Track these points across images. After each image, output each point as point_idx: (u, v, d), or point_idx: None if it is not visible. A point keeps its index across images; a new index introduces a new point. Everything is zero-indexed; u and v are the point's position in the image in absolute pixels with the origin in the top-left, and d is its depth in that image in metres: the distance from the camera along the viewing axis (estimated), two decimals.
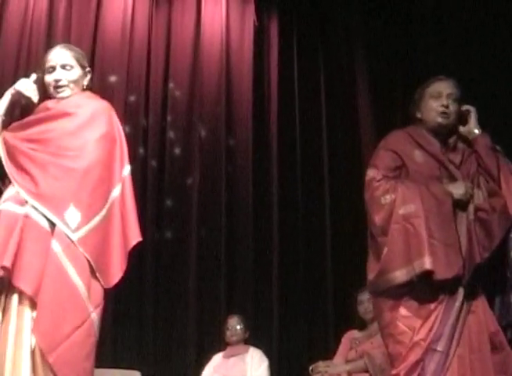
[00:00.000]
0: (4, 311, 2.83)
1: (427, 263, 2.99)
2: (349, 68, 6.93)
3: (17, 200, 2.93)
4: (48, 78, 3.19)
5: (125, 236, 3.07)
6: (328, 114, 6.76)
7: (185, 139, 6.36)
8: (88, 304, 2.89)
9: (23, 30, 5.90)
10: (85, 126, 3.07)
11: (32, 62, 5.58)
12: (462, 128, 3.40)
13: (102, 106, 3.22)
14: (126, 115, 6.06)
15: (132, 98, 6.22)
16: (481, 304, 3.13)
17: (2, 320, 2.82)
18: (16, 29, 5.90)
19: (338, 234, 6.45)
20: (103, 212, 2.99)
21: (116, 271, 3.02)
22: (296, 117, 6.69)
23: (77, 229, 2.89)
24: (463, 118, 3.41)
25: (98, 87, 5.97)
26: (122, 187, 3.11)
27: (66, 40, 5.68)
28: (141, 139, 6.18)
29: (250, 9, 6.75)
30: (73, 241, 2.87)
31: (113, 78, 6.15)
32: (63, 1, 6.08)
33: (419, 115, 3.43)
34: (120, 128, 3.22)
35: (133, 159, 5.91)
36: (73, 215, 2.89)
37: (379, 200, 3.18)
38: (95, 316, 2.92)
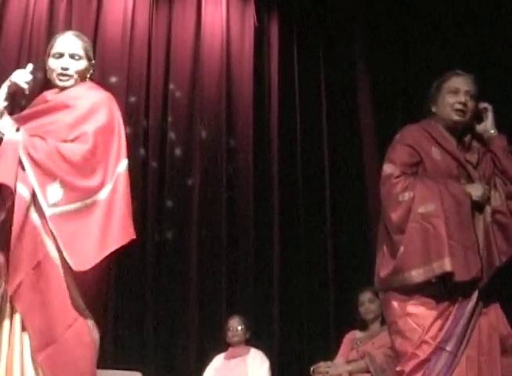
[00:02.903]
0: None
1: (448, 265, 2.95)
2: (350, 67, 6.92)
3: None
4: (54, 64, 3.11)
5: (109, 234, 2.92)
6: (329, 114, 6.75)
7: (186, 140, 6.36)
8: (79, 300, 2.84)
9: (23, 30, 5.91)
10: (84, 118, 2.99)
11: (32, 62, 5.57)
12: (478, 127, 3.33)
13: (102, 98, 3.11)
14: (127, 116, 6.05)
15: (133, 99, 6.23)
16: (493, 306, 3.11)
17: None
18: (17, 30, 5.91)
19: (339, 234, 6.44)
20: (85, 203, 2.88)
21: (89, 258, 2.84)
22: (296, 117, 6.68)
23: (54, 205, 2.81)
24: (478, 116, 3.33)
25: None
26: (114, 185, 2.97)
27: None
28: (141, 139, 6.18)
29: (251, 9, 6.75)
30: (45, 217, 2.80)
31: (113, 79, 6.15)
32: (64, 1, 6.09)
33: (434, 109, 3.34)
34: (121, 120, 3.11)
35: (134, 160, 5.97)
36: (55, 190, 2.83)
37: (396, 198, 3.12)
38: (88, 313, 2.87)
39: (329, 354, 5.08)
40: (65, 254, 2.80)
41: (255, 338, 5.57)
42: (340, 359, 4.84)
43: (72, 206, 2.85)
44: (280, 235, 6.30)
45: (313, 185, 6.58)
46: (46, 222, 2.82)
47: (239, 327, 5.43)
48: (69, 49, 3.11)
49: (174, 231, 6.15)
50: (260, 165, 6.46)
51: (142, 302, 5.86)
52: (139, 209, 5.93)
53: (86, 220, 2.88)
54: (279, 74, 6.70)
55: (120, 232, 2.95)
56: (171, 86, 6.40)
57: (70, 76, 3.10)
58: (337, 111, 6.80)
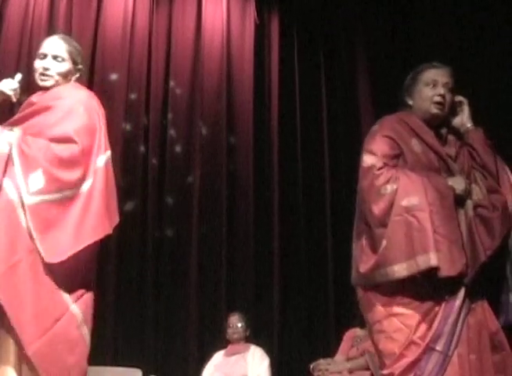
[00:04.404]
0: None
1: (433, 259, 2.85)
2: (349, 64, 6.93)
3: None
4: (37, 64, 3.18)
5: (85, 228, 2.94)
6: (329, 111, 6.75)
7: (186, 137, 6.36)
8: (64, 295, 2.87)
9: (23, 28, 5.90)
10: (64, 118, 3.03)
11: (33, 59, 5.57)
12: (453, 120, 3.27)
13: (81, 97, 3.15)
14: (127, 113, 6.08)
15: (133, 96, 6.22)
16: (480, 302, 3.03)
17: None
18: (17, 27, 5.90)
19: (340, 231, 6.43)
20: (65, 194, 2.91)
21: (62, 250, 2.87)
22: (297, 114, 6.68)
23: (35, 194, 2.85)
24: (453, 109, 3.26)
25: (99, 85, 6.00)
26: (94, 179, 3.00)
27: None
28: (142, 137, 6.18)
29: (251, 7, 6.75)
30: (24, 205, 2.83)
31: (114, 76, 6.15)
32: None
33: (410, 102, 3.25)
34: (101, 115, 3.14)
35: (134, 157, 6.01)
36: (37, 179, 2.86)
37: (378, 190, 3.01)
38: (75, 307, 2.90)
39: (330, 351, 5.09)
40: (38, 244, 2.83)
41: (255, 335, 5.58)
42: (340, 356, 4.85)
43: (52, 196, 2.88)
44: (280, 232, 6.30)
45: (313, 182, 6.58)
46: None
47: (240, 324, 5.44)
48: (52, 51, 3.18)
49: (174, 228, 6.15)
50: (260, 162, 6.46)
51: (142, 299, 5.85)
52: (139, 206, 5.94)
53: (64, 212, 2.90)
54: (280, 71, 6.70)
55: (95, 226, 2.96)
56: (172, 83, 6.40)
57: (51, 76, 3.16)
58: (337, 108, 6.80)
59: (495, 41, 5.69)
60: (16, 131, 2.98)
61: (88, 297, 2.98)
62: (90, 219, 2.94)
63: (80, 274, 2.95)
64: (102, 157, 3.05)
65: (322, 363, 4.75)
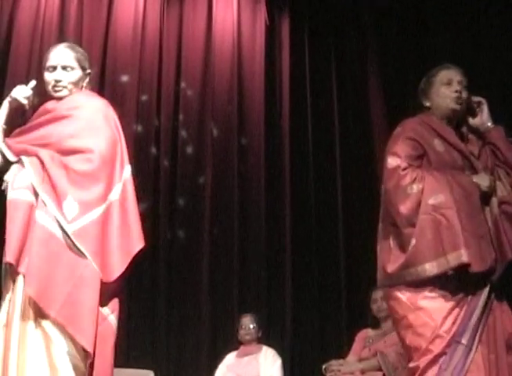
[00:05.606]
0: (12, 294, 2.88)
1: (464, 256, 2.91)
2: (361, 65, 6.92)
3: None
4: (48, 77, 3.19)
5: (129, 240, 3.03)
6: (340, 111, 6.75)
7: (198, 138, 6.37)
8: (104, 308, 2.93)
9: (34, 30, 5.92)
10: (84, 130, 3.06)
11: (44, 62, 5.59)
12: (472, 120, 3.34)
13: (97, 107, 3.19)
14: (138, 115, 6.09)
15: (144, 97, 6.23)
16: (500, 303, 3.06)
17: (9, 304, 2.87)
18: (28, 29, 5.92)
19: (352, 232, 6.43)
20: (101, 209, 2.95)
21: (115, 267, 2.96)
22: (308, 114, 6.68)
23: (74, 220, 2.88)
24: (471, 110, 3.34)
25: (110, 87, 6.02)
26: (123, 189, 3.06)
27: (78, 39, 5.70)
28: (153, 138, 6.19)
29: (262, 8, 6.75)
30: (67, 233, 2.87)
31: (125, 78, 6.17)
32: (75, 1, 6.09)
33: (427, 104, 3.34)
34: (119, 126, 3.19)
35: (145, 158, 6.02)
36: (70, 206, 2.89)
37: (405, 190, 3.07)
38: (112, 318, 2.97)
39: (342, 352, 5.08)
40: (95, 267, 2.88)
41: (267, 336, 5.58)
42: (352, 357, 4.84)
43: (89, 216, 2.92)
44: (292, 232, 6.30)
45: (325, 182, 6.57)
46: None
47: (252, 326, 5.44)
48: (61, 62, 3.19)
49: (185, 229, 6.16)
50: (271, 163, 6.45)
51: (153, 301, 5.87)
52: (151, 208, 5.95)
53: (106, 226, 2.97)
54: (290, 72, 6.70)
55: (137, 237, 3.06)
56: (183, 85, 6.41)
57: (64, 87, 3.19)
58: (348, 108, 6.80)
59: (509, 42, 5.69)
60: (34, 164, 2.98)
61: (119, 306, 3.04)
62: (131, 231, 3.03)
63: (118, 283, 3.01)
64: (128, 168, 3.12)
65: (334, 363, 4.74)
